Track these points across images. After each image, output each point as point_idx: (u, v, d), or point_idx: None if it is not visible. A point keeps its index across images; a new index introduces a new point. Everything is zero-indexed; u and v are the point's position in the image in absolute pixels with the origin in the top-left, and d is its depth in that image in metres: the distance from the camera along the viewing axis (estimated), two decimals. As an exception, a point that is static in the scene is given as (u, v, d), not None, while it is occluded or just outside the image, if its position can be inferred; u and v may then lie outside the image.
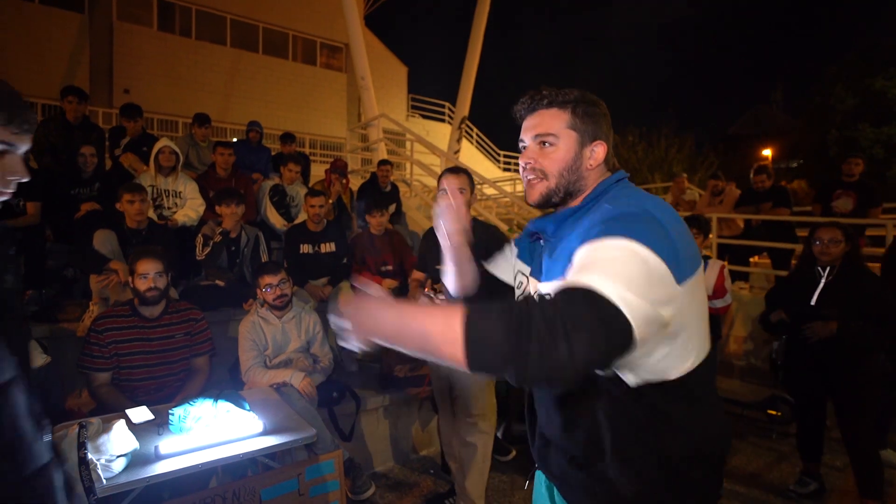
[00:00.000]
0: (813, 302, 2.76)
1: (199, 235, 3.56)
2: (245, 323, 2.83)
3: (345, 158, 8.51)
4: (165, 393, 2.54)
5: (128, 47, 11.96)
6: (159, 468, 1.69)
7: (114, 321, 2.50)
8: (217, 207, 3.62)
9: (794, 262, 4.95)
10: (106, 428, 1.71)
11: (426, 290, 2.33)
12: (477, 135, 16.50)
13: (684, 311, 0.90)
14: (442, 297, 2.20)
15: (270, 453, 2.01)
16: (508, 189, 10.50)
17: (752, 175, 5.46)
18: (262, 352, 2.81)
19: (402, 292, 3.72)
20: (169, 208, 3.99)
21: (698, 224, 3.18)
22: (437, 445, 3.28)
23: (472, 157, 15.63)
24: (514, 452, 3.26)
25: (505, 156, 17.26)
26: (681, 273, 0.87)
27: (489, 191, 9.31)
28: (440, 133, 15.42)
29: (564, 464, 1.08)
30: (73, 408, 2.54)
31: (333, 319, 0.90)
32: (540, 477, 1.24)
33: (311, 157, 7.84)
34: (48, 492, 0.82)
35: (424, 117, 17.00)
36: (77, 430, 1.65)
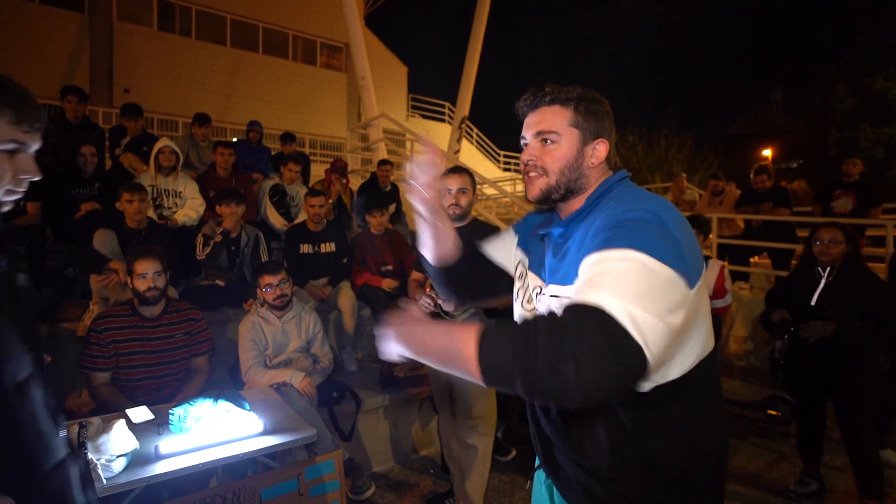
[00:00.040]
0: (813, 302, 2.76)
1: (200, 235, 3.56)
2: (245, 323, 2.83)
3: (345, 158, 8.51)
4: (165, 393, 2.54)
5: (128, 47, 11.95)
6: (159, 468, 1.69)
7: (113, 321, 2.50)
8: (217, 207, 3.62)
9: (794, 262, 4.96)
10: (106, 428, 1.71)
11: (427, 290, 2.32)
12: (477, 135, 16.50)
13: (692, 313, 0.89)
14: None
15: (270, 453, 2.00)
16: (508, 189, 10.50)
17: (752, 175, 5.46)
18: (262, 352, 2.81)
19: (402, 292, 3.72)
20: (169, 208, 3.99)
21: (698, 224, 3.19)
22: (437, 445, 3.28)
23: (473, 157, 15.63)
24: (514, 452, 3.26)
25: (505, 156, 17.25)
26: (692, 278, 0.87)
27: (489, 191, 9.31)
28: (440, 133, 15.41)
29: (564, 463, 1.08)
30: (72, 408, 2.54)
31: (378, 332, 0.98)
32: (539, 476, 1.24)
33: (311, 157, 7.84)
34: (66, 486, 0.84)
35: (424, 117, 17.00)
36: (77, 429, 1.64)
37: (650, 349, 0.77)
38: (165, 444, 1.80)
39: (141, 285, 2.49)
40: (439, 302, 2.22)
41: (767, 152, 22.30)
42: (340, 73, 15.56)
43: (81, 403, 2.57)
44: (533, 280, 1.15)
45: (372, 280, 3.86)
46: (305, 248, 3.88)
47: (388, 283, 3.85)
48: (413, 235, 5.51)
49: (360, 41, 9.26)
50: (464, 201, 2.33)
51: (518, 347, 0.77)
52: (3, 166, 0.82)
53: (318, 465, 2.10)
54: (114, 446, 1.66)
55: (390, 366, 3.25)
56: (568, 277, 0.98)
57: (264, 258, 3.72)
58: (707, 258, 3.32)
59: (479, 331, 0.82)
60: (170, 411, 1.95)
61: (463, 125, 11.71)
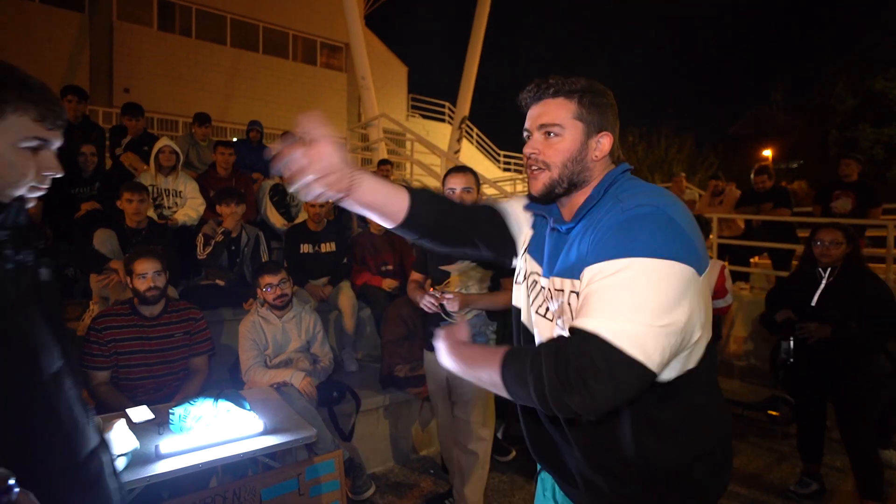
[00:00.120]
0: (813, 303, 2.76)
1: (200, 235, 3.56)
2: (245, 323, 2.83)
3: (345, 158, 8.49)
4: (165, 392, 2.54)
5: (128, 47, 11.94)
6: (159, 468, 1.69)
7: (113, 320, 2.50)
8: (217, 207, 3.62)
9: (794, 262, 4.96)
10: (106, 427, 1.71)
11: (431, 290, 2.30)
12: (477, 135, 16.48)
13: (699, 299, 0.91)
14: (449, 295, 2.20)
15: (271, 453, 2.01)
16: (508, 189, 10.50)
17: (752, 175, 5.46)
18: (263, 351, 2.81)
19: (402, 292, 3.71)
20: (169, 208, 3.99)
21: (699, 224, 3.18)
22: (437, 445, 3.28)
23: (473, 157, 15.61)
24: (514, 452, 3.26)
25: (505, 156, 17.23)
26: (699, 265, 0.90)
27: (489, 191, 9.31)
28: (440, 133, 15.41)
29: (570, 461, 1.08)
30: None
31: (434, 339, 1.07)
32: (542, 477, 1.24)
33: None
34: (100, 473, 0.86)
35: (424, 117, 16.98)
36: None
37: (653, 360, 0.82)
38: (166, 443, 1.80)
39: (141, 285, 2.49)
40: (443, 303, 2.21)
41: (767, 152, 22.30)
42: (340, 72, 15.55)
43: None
44: (531, 265, 1.15)
45: (372, 280, 3.86)
46: (306, 248, 3.87)
47: (388, 283, 3.85)
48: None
49: (361, 41, 9.26)
50: (468, 200, 2.30)
51: (533, 377, 0.85)
52: (27, 163, 0.83)
53: (319, 465, 2.10)
54: (114, 446, 1.66)
55: (390, 366, 3.25)
56: (574, 271, 0.97)
57: (264, 258, 3.72)
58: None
59: (502, 358, 0.91)
60: (170, 411, 1.94)
61: (463, 125, 11.70)
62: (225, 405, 1.96)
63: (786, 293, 3.02)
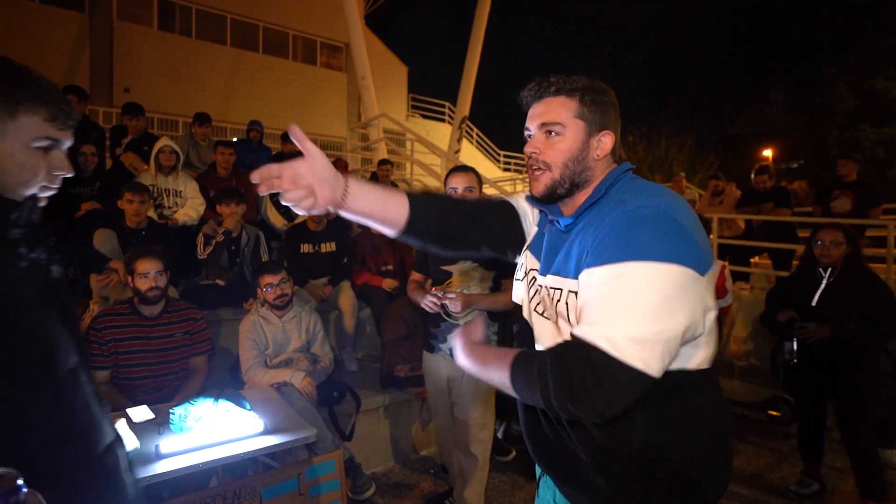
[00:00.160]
0: (814, 303, 2.75)
1: (200, 235, 3.56)
2: (245, 322, 2.83)
3: (345, 158, 8.51)
4: (165, 392, 2.54)
5: (128, 47, 11.94)
6: (160, 467, 1.69)
7: (113, 319, 2.50)
8: (218, 207, 3.62)
9: (794, 262, 4.95)
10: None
11: (433, 290, 2.29)
12: (477, 135, 16.48)
13: (702, 300, 0.91)
14: (452, 295, 2.20)
15: (271, 453, 2.01)
16: (509, 189, 10.49)
17: (753, 175, 5.46)
18: (263, 351, 2.81)
19: (402, 292, 3.71)
20: (169, 207, 3.99)
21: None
22: (437, 445, 3.28)
23: (473, 157, 15.61)
24: (514, 452, 3.25)
25: (505, 156, 17.23)
26: (703, 266, 0.89)
27: (489, 191, 9.30)
28: (440, 133, 15.41)
29: (566, 463, 1.08)
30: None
31: (452, 340, 1.10)
32: (543, 482, 1.23)
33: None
34: (116, 467, 0.87)
35: (425, 117, 16.99)
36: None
37: (652, 368, 0.84)
38: (166, 443, 1.80)
39: (143, 285, 2.49)
40: (444, 303, 2.21)
41: (768, 152, 22.30)
42: (341, 72, 15.55)
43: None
44: (531, 261, 1.15)
45: (372, 280, 3.86)
46: (306, 248, 3.87)
47: (388, 283, 3.85)
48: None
49: (361, 41, 9.26)
50: None
51: (540, 385, 0.87)
52: (39, 163, 0.84)
53: (319, 464, 2.10)
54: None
55: (390, 366, 3.25)
56: (573, 271, 0.97)
57: (265, 258, 3.72)
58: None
59: (512, 361, 0.94)
60: (170, 411, 1.94)
61: (463, 125, 11.71)
62: (225, 405, 1.96)
63: (786, 293, 3.01)
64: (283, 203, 0.96)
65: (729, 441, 1.07)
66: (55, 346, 0.79)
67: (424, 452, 3.40)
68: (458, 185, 2.27)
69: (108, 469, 0.85)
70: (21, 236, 0.81)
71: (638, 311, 0.84)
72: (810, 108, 19.83)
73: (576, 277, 0.95)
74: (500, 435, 3.37)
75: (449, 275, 2.37)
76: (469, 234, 1.15)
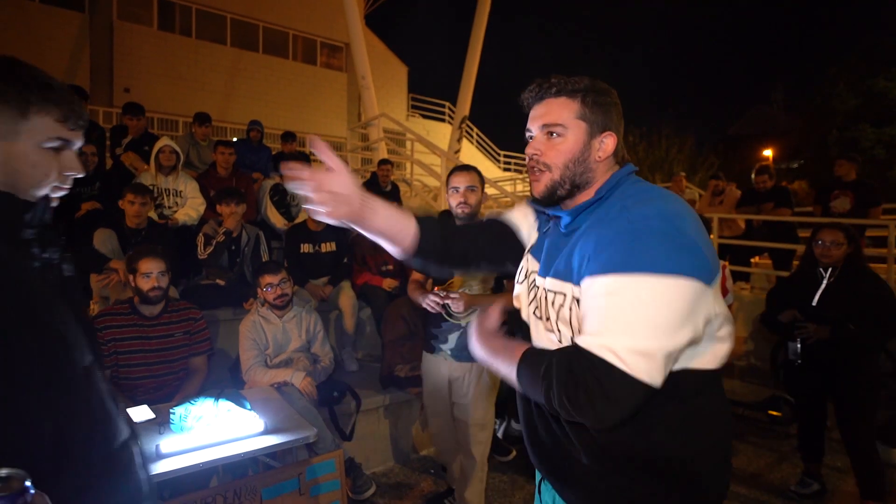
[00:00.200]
0: (814, 303, 2.75)
1: (201, 235, 3.56)
2: (245, 322, 2.83)
3: (345, 158, 8.51)
4: (165, 392, 2.54)
5: (128, 46, 11.95)
6: (160, 467, 1.69)
7: (113, 319, 2.50)
8: (218, 207, 3.62)
9: (795, 262, 4.95)
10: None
11: (436, 289, 2.29)
12: (477, 135, 16.49)
13: (710, 308, 0.91)
14: (454, 295, 2.19)
15: (271, 453, 2.01)
16: (509, 189, 10.50)
17: (753, 175, 5.46)
18: (263, 351, 2.81)
19: (402, 292, 3.71)
20: (169, 207, 3.99)
21: None
22: (434, 446, 3.28)
23: (473, 156, 15.61)
24: (514, 452, 3.25)
25: (505, 156, 17.24)
26: (708, 275, 0.89)
27: (489, 191, 9.29)
28: (440, 133, 15.41)
29: (565, 465, 1.08)
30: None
31: (469, 329, 1.12)
32: (543, 488, 1.23)
33: (312, 157, 7.84)
34: (131, 464, 0.88)
35: (425, 117, 16.99)
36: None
37: (656, 379, 0.84)
38: (166, 443, 1.80)
39: (145, 284, 2.49)
40: (446, 303, 2.20)
41: (768, 152, 22.30)
42: (341, 72, 15.55)
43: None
44: (531, 263, 1.15)
45: (372, 280, 3.86)
46: (306, 248, 3.87)
47: (388, 283, 3.85)
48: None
49: (361, 41, 9.26)
50: (473, 199, 2.26)
51: (544, 387, 0.89)
52: (50, 163, 0.84)
53: (319, 464, 2.10)
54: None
55: (391, 365, 3.25)
56: (575, 276, 0.96)
57: (265, 258, 3.72)
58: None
59: (520, 357, 0.97)
60: (171, 410, 1.94)
61: (463, 125, 11.71)
62: (225, 405, 1.96)
63: (787, 293, 3.01)
64: (305, 207, 1.00)
65: (729, 441, 1.07)
66: (70, 344, 0.80)
67: (424, 452, 3.40)
68: (461, 184, 2.26)
69: (124, 466, 0.86)
70: (34, 236, 0.82)
71: (644, 324, 0.84)
72: (810, 108, 19.84)
73: (577, 283, 0.95)
74: (500, 435, 3.37)
75: (450, 274, 2.37)
76: (468, 253, 1.21)
